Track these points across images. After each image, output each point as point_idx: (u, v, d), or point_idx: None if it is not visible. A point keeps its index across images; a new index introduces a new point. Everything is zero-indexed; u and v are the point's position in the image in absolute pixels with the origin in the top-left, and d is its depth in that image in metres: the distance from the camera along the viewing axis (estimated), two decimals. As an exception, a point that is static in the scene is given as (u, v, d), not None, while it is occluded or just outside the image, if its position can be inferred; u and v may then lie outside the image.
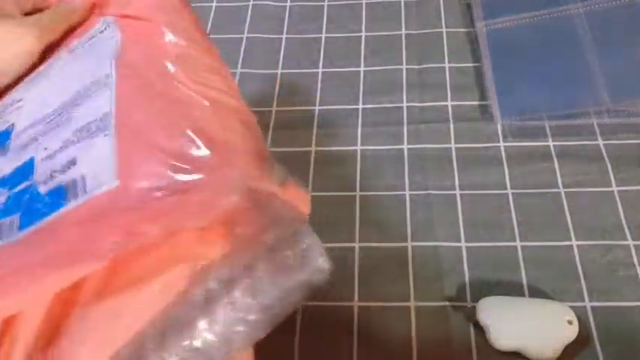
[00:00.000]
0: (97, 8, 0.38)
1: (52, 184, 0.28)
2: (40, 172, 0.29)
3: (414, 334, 0.41)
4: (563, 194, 0.47)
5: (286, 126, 0.54)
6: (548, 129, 0.51)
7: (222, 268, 0.25)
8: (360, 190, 0.49)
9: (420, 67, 0.57)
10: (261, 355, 0.42)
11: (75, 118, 0.31)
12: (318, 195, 0.49)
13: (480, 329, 0.40)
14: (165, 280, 0.25)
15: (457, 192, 0.48)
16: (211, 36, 0.61)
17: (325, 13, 0.63)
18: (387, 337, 0.41)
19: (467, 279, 0.43)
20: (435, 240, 0.45)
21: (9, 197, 0.29)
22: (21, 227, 0.28)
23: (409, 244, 0.45)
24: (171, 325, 0.24)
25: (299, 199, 0.30)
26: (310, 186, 0.50)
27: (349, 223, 0.47)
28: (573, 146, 0.50)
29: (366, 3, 0.64)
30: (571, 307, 0.40)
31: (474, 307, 0.41)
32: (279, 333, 0.43)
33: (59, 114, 0.32)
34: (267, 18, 0.63)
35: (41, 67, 0.37)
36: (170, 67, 0.32)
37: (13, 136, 0.33)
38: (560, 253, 0.44)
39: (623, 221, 0.45)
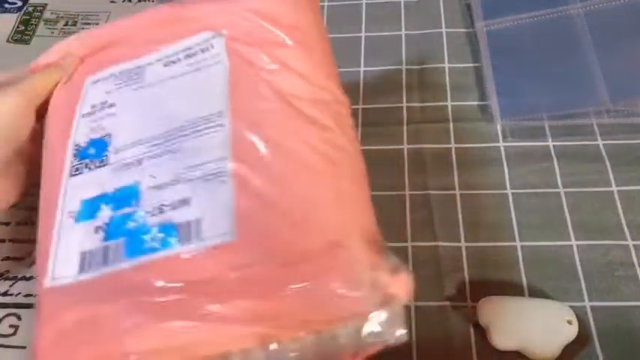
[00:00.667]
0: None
1: (161, 219, 0.27)
2: (147, 201, 0.28)
3: (413, 334, 0.41)
4: (563, 194, 0.47)
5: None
6: (548, 129, 0.51)
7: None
8: (360, 190, 0.49)
9: (420, 67, 0.57)
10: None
11: (185, 150, 0.29)
12: (318, 195, 0.49)
13: (480, 329, 0.40)
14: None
15: (457, 192, 0.48)
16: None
17: (325, 13, 0.63)
18: (387, 337, 0.41)
19: (467, 279, 0.43)
20: (434, 240, 0.45)
21: (112, 218, 0.29)
22: (127, 254, 0.27)
23: (409, 244, 0.45)
24: None
25: (403, 287, 0.28)
26: (310, 186, 0.50)
27: (349, 223, 0.47)
28: (573, 146, 0.50)
29: (366, 3, 0.64)
30: (571, 306, 0.40)
31: (474, 307, 0.41)
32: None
33: (166, 140, 0.30)
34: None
35: (126, 65, 0.35)
36: (283, 107, 0.30)
37: (111, 148, 0.31)
38: (560, 253, 0.44)
39: (623, 221, 0.45)
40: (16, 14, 0.65)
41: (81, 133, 0.33)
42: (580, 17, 0.56)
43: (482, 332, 0.40)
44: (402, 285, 0.27)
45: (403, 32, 0.61)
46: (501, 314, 0.39)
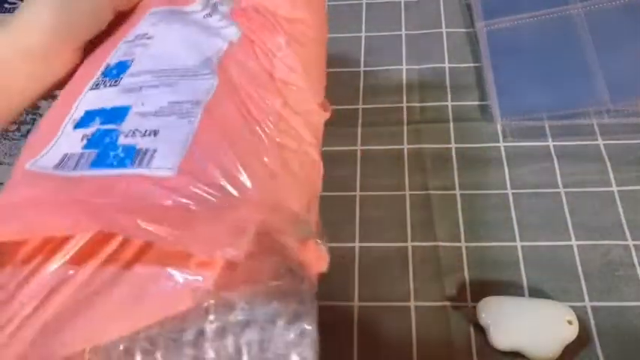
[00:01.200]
0: None
1: (129, 141, 0.30)
2: (129, 123, 0.31)
3: (414, 334, 0.41)
4: (563, 194, 0.47)
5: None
6: (548, 129, 0.51)
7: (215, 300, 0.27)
8: (360, 190, 0.49)
9: (420, 67, 0.57)
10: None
11: (176, 88, 0.33)
12: (318, 195, 0.49)
13: (480, 329, 0.40)
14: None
15: (457, 192, 0.48)
16: None
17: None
18: (387, 337, 0.41)
19: (467, 279, 0.43)
20: (435, 240, 0.45)
21: (97, 130, 0.31)
22: (91, 165, 0.30)
23: (409, 244, 0.45)
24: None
25: (316, 258, 0.31)
26: (310, 186, 0.50)
27: (349, 223, 0.47)
28: (573, 146, 0.50)
29: (367, 3, 0.64)
30: (571, 307, 0.40)
31: (474, 307, 0.41)
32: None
33: (167, 76, 0.34)
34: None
35: (170, 6, 0.39)
36: (269, 93, 0.34)
37: (127, 72, 0.34)
38: (560, 253, 0.44)
39: (623, 221, 0.45)
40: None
41: (115, 56, 0.36)
42: (580, 17, 0.56)
43: (482, 332, 0.40)
44: (313, 253, 0.30)
45: (403, 32, 0.61)
46: (501, 314, 0.39)
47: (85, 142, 0.31)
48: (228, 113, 0.32)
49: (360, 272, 0.44)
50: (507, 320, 0.39)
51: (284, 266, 0.28)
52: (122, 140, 0.31)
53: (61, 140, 0.32)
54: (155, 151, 0.30)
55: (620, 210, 0.46)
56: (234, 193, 0.29)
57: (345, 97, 0.56)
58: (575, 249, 0.44)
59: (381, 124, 0.53)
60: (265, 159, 0.32)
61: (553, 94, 0.52)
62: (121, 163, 0.30)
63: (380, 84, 0.56)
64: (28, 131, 0.53)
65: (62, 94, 0.37)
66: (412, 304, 0.42)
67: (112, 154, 0.30)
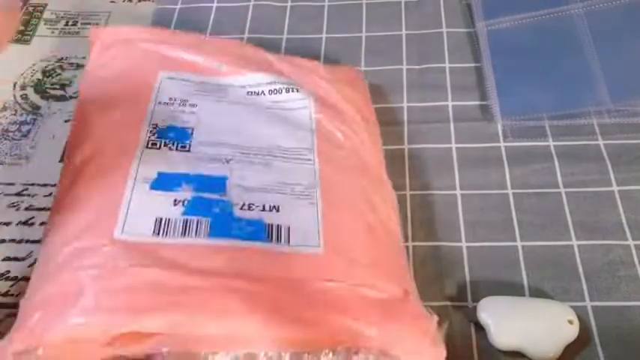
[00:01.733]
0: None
1: (251, 215, 0.31)
2: (235, 196, 0.32)
3: (414, 334, 0.41)
4: (563, 194, 0.47)
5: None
6: (548, 129, 0.51)
7: None
8: (361, 190, 0.49)
9: (421, 67, 0.57)
10: None
11: (275, 168, 0.34)
12: (318, 195, 0.49)
13: (480, 329, 0.40)
14: None
15: (458, 192, 0.48)
16: (212, 36, 0.61)
17: (326, 13, 0.63)
18: (387, 337, 0.41)
19: (467, 279, 0.43)
20: (435, 240, 0.45)
21: (194, 197, 0.32)
22: (210, 234, 0.30)
23: (410, 243, 0.45)
24: None
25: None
26: (311, 186, 0.50)
27: (350, 223, 0.47)
28: (573, 146, 0.50)
29: (367, 3, 0.64)
30: (572, 306, 0.40)
31: (475, 306, 0.41)
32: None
33: (255, 154, 0.35)
34: (268, 18, 0.63)
35: (207, 78, 0.39)
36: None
37: (194, 140, 0.35)
38: (560, 252, 0.44)
39: (624, 221, 0.45)
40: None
41: (159, 117, 0.36)
42: (580, 17, 0.56)
43: (482, 332, 0.40)
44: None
45: (403, 32, 0.61)
46: (502, 314, 0.39)
47: (181, 208, 0.31)
48: (343, 199, 0.34)
49: (361, 272, 0.44)
50: (508, 320, 0.39)
51: None
52: (239, 213, 0.31)
53: (137, 202, 0.31)
54: (289, 228, 0.30)
55: (621, 210, 0.46)
56: (384, 284, 0.31)
57: (345, 97, 0.55)
58: (576, 249, 0.44)
59: (382, 124, 0.53)
60: (385, 248, 0.34)
61: (553, 94, 0.52)
62: (253, 237, 0.30)
63: (380, 84, 0.56)
64: (29, 131, 0.52)
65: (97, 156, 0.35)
66: (413, 304, 0.42)
67: (234, 225, 0.30)
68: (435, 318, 0.32)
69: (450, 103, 0.54)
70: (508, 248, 0.45)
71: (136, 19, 0.63)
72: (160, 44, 0.42)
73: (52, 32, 0.63)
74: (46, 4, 0.66)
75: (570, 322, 0.39)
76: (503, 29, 0.57)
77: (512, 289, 0.43)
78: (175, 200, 0.31)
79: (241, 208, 0.31)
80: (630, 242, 0.44)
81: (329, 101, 0.41)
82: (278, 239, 0.30)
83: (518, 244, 0.45)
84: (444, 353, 0.31)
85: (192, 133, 0.35)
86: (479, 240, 0.45)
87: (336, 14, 0.63)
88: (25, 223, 0.46)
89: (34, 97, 0.55)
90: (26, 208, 0.47)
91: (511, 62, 0.55)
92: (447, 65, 0.57)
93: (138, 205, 0.31)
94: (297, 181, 0.34)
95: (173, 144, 0.34)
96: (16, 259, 0.44)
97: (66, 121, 0.52)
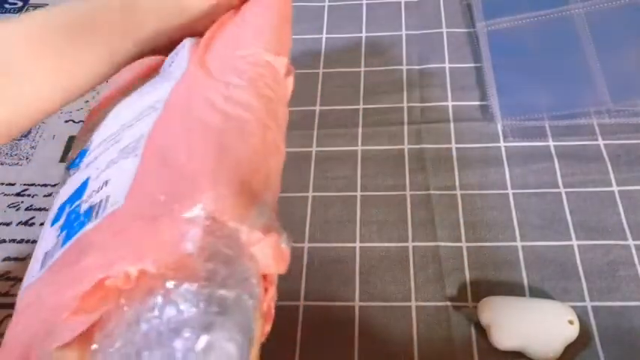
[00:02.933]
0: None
1: (88, 204, 0.29)
2: (88, 190, 0.30)
3: (415, 334, 0.41)
4: (563, 194, 0.47)
5: (287, 126, 0.54)
6: (548, 129, 0.51)
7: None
8: (361, 191, 0.49)
9: (421, 67, 0.57)
10: (262, 355, 0.42)
11: (123, 138, 0.31)
12: (318, 195, 0.49)
13: (481, 329, 0.40)
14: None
15: (458, 192, 0.48)
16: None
17: (326, 13, 0.63)
18: (388, 337, 0.41)
19: (468, 279, 0.43)
20: (435, 240, 0.45)
21: (68, 214, 0.30)
22: (62, 244, 0.29)
23: (410, 244, 0.45)
24: None
25: (274, 254, 0.27)
26: (311, 186, 0.50)
27: (350, 223, 0.47)
28: (573, 146, 0.50)
29: (367, 3, 0.64)
30: (572, 306, 0.40)
31: (475, 307, 0.41)
32: (280, 333, 0.43)
33: (116, 134, 0.32)
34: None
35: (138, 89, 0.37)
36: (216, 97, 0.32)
37: (85, 154, 0.34)
38: (560, 253, 0.44)
39: (624, 221, 0.45)
40: (17, 14, 0.65)
41: (80, 149, 0.35)
42: (580, 17, 0.56)
43: (483, 332, 0.40)
44: (271, 247, 0.26)
45: (403, 32, 0.61)
46: (502, 314, 0.39)
47: (58, 230, 0.30)
48: (174, 126, 0.30)
49: (361, 272, 0.44)
50: (508, 320, 0.39)
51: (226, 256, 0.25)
52: (83, 207, 0.29)
53: (42, 243, 0.31)
54: (108, 197, 0.28)
55: (621, 210, 0.46)
56: (183, 185, 0.27)
57: (345, 98, 0.56)
58: (576, 249, 0.44)
59: (382, 124, 0.53)
60: (213, 135, 0.29)
61: (553, 94, 0.52)
62: (80, 226, 0.28)
63: (380, 84, 0.56)
64: (29, 131, 0.52)
65: None
66: (413, 304, 0.42)
67: (75, 224, 0.29)
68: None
69: (450, 103, 0.54)
70: (508, 248, 0.45)
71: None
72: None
73: (52, 32, 0.63)
74: (46, 4, 0.66)
75: (570, 322, 0.39)
76: (503, 29, 0.57)
77: (512, 289, 0.43)
78: (58, 227, 0.30)
79: (85, 202, 0.30)
80: (630, 242, 0.44)
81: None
82: (96, 215, 0.28)
83: (518, 244, 0.45)
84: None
85: (87, 149, 0.34)
86: (479, 240, 0.45)
87: (336, 14, 0.63)
88: (25, 223, 0.46)
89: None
90: (26, 209, 0.47)
91: (511, 62, 0.55)
92: (447, 65, 0.57)
93: (38, 248, 0.31)
94: (132, 139, 0.31)
95: (74, 169, 0.34)
96: (16, 259, 0.44)
97: (66, 122, 0.52)
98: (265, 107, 0.34)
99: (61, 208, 0.32)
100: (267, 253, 0.26)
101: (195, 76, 0.33)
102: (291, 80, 0.37)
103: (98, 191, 0.29)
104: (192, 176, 0.27)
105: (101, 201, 0.28)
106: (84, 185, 0.31)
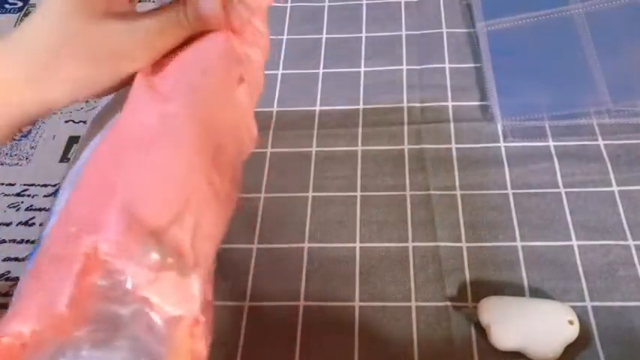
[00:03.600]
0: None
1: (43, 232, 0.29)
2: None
3: (415, 334, 0.41)
4: (563, 194, 0.47)
5: (287, 126, 0.54)
6: (548, 129, 0.51)
7: None
8: (361, 191, 0.49)
9: (421, 67, 0.57)
10: (262, 356, 0.42)
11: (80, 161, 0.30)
12: (318, 195, 0.49)
13: (480, 329, 0.40)
14: None
15: (458, 192, 0.48)
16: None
17: (326, 14, 0.63)
18: (388, 337, 0.41)
19: (467, 279, 0.43)
20: (435, 240, 0.45)
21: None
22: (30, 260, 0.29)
23: (410, 244, 0.45)
24: None
25: (178, 294, 0.25)
26: (311, 186, 0.50)
27: (350, 224, 0.47)
28: (573, 146, 0.50)
29: (367, 4, 0.64)
30: (572, 307, 0.40)
31: (475, 307, 0.41)
32: (280, 333, 0.43)
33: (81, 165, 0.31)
34: (268, 19, 0.63)
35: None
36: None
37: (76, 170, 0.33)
38: (560, 253, 0.44)
39: (624, 221, 0.45)
40: (17, 15, 0.65)
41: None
42: (580, 17, 0.56)
43: (483, 332, 0.40)
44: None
45: (403, 32, 0.61)
46: (502, 314, 0.39)
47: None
48: (107, 140, 0.28)
49: (361, 272, 0.44)
50: (508, 320, 0.39)
51: None
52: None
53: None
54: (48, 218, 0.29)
55: (621, 210, 0.46)
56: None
57: (345, 98, 0.56)
58: (576, 249, 0.44)
59: (382, 124, 0.53)
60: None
61: (553, 94, 0.52)
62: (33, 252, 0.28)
63: (380, 84, 0.56)
64: (29, 131, 0.52)
65: None
66: (413, 304, 0.42)
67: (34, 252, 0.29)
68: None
69: (450, 103, 0.54)
70: (508, 248, 0.45)
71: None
72: None
73: (52, 32, 0.63)
74: (46, 5, 0.66)
75: (570, 322, 0.39)
76: (503, 29, 0.57)
77: (512, 289, 0.43)
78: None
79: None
80: (630, 242, 0.44)
81: None
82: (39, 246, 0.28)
83: (518, 244, 0.45)
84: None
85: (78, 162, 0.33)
86: (479, 240, 0.45)
87: (336, 14, 0.63)
88: (25, 223, 0.46)
89: None
90: (26, 209, 0.47)
91: (511, 62, 0.55)
92: (447, 65, 0.57)
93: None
94: (83, 162, 0.29)
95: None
96: (16, 259, 0.44)
97: (66, 122, 0.52)
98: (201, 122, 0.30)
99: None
100: (168, 292, 0.24)
101: (136, 95, 0.30)
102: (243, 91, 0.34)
103: (49, 218, 0.29)
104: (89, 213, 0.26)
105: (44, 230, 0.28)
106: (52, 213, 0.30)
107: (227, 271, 0.45)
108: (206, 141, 0.28)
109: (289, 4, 0.64)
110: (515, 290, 0.42)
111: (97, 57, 0.28)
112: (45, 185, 0.47)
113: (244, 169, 0.31)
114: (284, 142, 0.53)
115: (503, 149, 0.50)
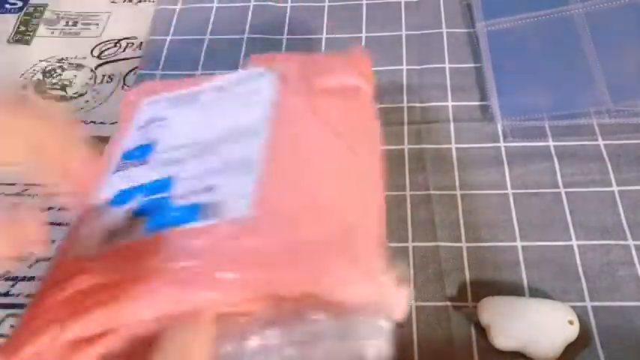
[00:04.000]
0: None
1: (187, 201, 0.32)
2: (179, 188, 0.33)
3: (415, 334, 0.41)
4: (563, 194, 0.47)
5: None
6: (548, 129, 0.51)
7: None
8: (361, 191, 0.49)
9: (421, 67, 0.57)
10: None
11: (225, 151, 0.35)
12: (318, 195, 0.49)
13: (481, 329, 0.40)
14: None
15: (458, 192, 0.48)
16: (212, 37, 0.61)
17: (326, 14, 0.63)
18: (388, 337, 0.41)
19: (467, 279, 0.43)
20: (435, 240, 0.45)
21: (142, 202, 0.33)
22: (147, 229, 0.31)
23: (410, 244, 0.45)
24: None
25: (403, 302, 0.30)
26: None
27: (350, 224, 0.47)
28: (573, 146, 0.50)
29: (367, 4, 0.64)
30: (572, 307, 0.40)
31: (475, 307, 0.41)
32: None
33: (206, 146, 0.36)
34: (268, 19, 0.63)
35: (183, 91, 0.41)
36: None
37: (154, 152, 0.36)
38: (560, 253, 0.44)
39: (624, 221, 0.45)
40: (17, 14, 0.65)
41: (132, 141, 0.38)
42: (580, 17, 0.56)
43: (483, 332, 0.40)
44: (402, 300, 0.30)
45: (403, 32, 0.61)
46: (502, 314, 0.39)
47: (130, 214, 0.32)
48: (289, 168, 0.34)
49: (361, 272, 0.44)
50: (508, 320, 0.39)
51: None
52: (177, 202, 0.32)
53: (95, 222, 0.33)
54: (222, 202, 0.31)
55: (621, 210, 0.46)
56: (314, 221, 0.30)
57: (345, 98, 0.55)
58: (576, 249, 0.44)
59: (382, 124, 0.53)
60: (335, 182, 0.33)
61: (553, 94, 0.52)
62: (186, 219, 0.31)
63: (380, 84, 0.56)
64: (29, 131, 0.52)
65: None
66: (413, 304, 0.42)
67: (170, 215, 0.31)
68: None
69: (450, 103, 0.54)
70: (508, 248, 0.45)
71: (136, 20, 0.63)
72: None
73: (52, 33, 0.63)
74: (46, 4, 0.66)
75: (570, 322, 0.39)
76: (503, 29, 0.57)
77: (512, 289, 0.43)
78: (126, 210, 0.33)
79: (180, 198, 0.32)
80: (630, 242, 0.44)
81: (293, 76, 0.41)
82: (208, 216, 0.31)
83: (518, 244, 0.45)
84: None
85: (154, 147, 0.37)
86: (479, 240, 0.45)
87: (336, 14, 0.63)
88: (25, 223, 0.46)
89: (34, 98, 0.55)
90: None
91: (511, 62, 0.55)
92: (447, 65, 0.57)
93: (94, 224, 0.33)
94: (239, 154, 0.34)
95: (137, 161, 0.36)
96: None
97: (66, 122, 0.52)
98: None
99: (127, 193, 0.34)
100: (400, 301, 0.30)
101: (302, 116, 0.37)
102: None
103: (201, 194, 0.32)
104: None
105: (213, 203, 0.31)
106: (166, 181, 0.34)
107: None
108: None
109: (289, 4, 0.64)
110: (515, 290, 0.42)
111: None
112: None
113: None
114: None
115: (503, 149, 0.50)
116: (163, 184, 0.33)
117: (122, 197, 0.34)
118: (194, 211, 0.31)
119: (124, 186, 0.34)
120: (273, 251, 0.29)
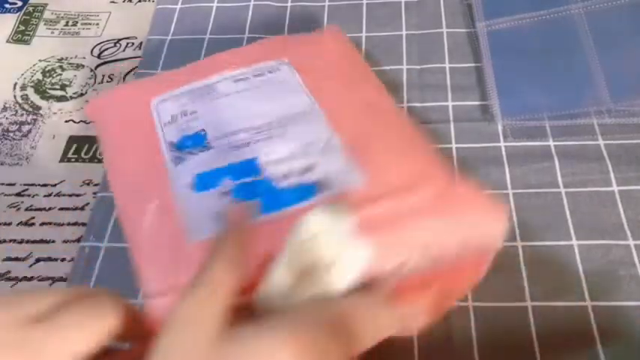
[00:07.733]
0: None
1: (290, 182, 0.34)
2: (271, 171, 0.35)
3: (414, 334, 0.41)
4: (563, 194, 0.47)
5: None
6: (548, 129, 0.51)
7: None
8: (361, 191, 0.49)
9: (421, 67, 0.57)
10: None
11: (292, 134, 0.37)
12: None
13: (481, 329, 0.40)
14: None
15: (458, 192, 0.48)
16: (212, 37, 0.61)
17: (326, 13, 0.63)
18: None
19: (468, 279, 0.43)
20: (435, 240, 0.45)
21: (235, 185, 0.35)
22: (263, 210, 0.33)
23: (410, 244, 0.45)
24: None
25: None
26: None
27: (350, 223, 0.47)
28: (573, 146, 0.50)
29: (367, 3, 0.64)
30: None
31: (475, 306, 0.41)
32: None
33: (268, 129, 0.38)
34: (268, 18, 0.63)
35: (196, 84, 0.42)
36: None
37: (210, 138, 0.38)
38: (560, 253, 0.44)
39: (624, 221, 0.45)
40: (16, 14, 0.65)
41: (171, 136, 0.39)
42: (580, 17, 0.56)
43: (483, 332, 0.40)
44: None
45: (403, 32, 0.61)
46: None
47: (230, 197, 0.34)
48: (360, 132, 0.37)
49: (361, 272, 0.44)
50: None
51: None
52: (281, 184, 0.34)
53: (189, 208, 0.34)
54: (326, 178, 0.34)
55: (621, 210, 0.46)
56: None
57: (345, 97, 0.55)
58: (576, 249, 0.44)
59: (382, 124, 0.53)
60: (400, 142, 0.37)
61: (554, 94, 0.52)
62: (303, 197, 0.33)
63: (380, 84, 0.56)
64: (29, 131, 0.52)
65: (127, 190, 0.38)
66: (413, 304, 0.42)
67: (281, 196, 0.33)
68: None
69: (450, 103, 0.54)
70: (508, 248, 0.45)
71: (136, 19, 0.63)
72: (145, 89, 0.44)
73: (52, 32, 0.63)
74: (46, 4, 0.66)
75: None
76: (503, 29, 0.57)
77: (512, 289, 0.42)
78: (221, 194, 0.34)
79: (281, 180, 0.34)
80: (630, 242, 0.44)
81: (307, 60, 0.44)
82: (321, 191, 0.33)
83: (518, 244, 0.45)
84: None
85: (205, 134, 0.38)
86: (479, 240, 0.45)
87: (336, 14, 0.63)
88: (25, 223, 0.46)
89: (34, 97, 0.55)
90: (26, 209, 0.47)
91: (511, 62, 0.55)
92: (447, 65, 0.57)
93: (192, 210, 0.34)
94: (317, 137, 0.36)
95: (194, 148, 0.37)
96: (16, 259, 0.44)
97: (66, 122, 0.52)
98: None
99: (208, 176, 0.35)
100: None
101: (335, 92, 0.41)
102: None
103: (301, 174, 0.34)
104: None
105: (319, 180, 0.34)
106: (251, 164, 0.35)
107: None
108: None
109: (289, 4, 0.64)
110: (515, 290, 0.42)
111: None
112: (45, 185, 0.48)
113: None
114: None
115: (503, 149, 0.50)
116: (250, 168, 0.35)
117: (204, 181, 0.35)
118: (309, 190, 0.33)
119: (198, 171, 0.35)
120: (418, 207, 0.32)
